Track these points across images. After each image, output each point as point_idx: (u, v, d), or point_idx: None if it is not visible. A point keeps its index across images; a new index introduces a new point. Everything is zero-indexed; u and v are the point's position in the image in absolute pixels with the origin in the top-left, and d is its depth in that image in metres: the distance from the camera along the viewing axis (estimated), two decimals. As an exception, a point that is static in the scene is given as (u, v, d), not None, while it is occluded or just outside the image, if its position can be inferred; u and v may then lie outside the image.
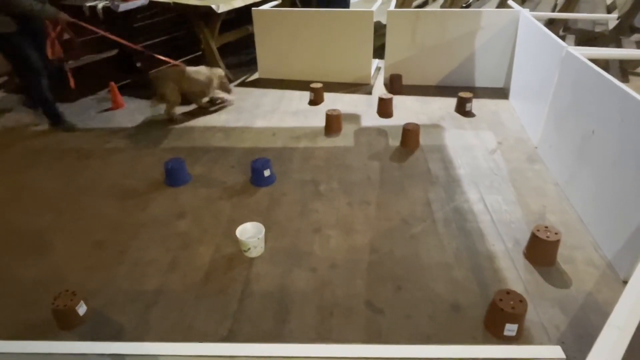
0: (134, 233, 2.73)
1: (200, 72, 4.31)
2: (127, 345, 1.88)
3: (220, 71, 4.48)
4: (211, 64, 5.27)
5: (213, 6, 4.56)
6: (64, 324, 2.09)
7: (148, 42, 6.38)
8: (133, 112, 4.49)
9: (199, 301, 2.24)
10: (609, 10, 6.16)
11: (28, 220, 2.91)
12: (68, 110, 4.57)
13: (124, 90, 4.85)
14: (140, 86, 5.13)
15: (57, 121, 4.10)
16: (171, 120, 4.25)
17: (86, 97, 4.91)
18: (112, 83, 4.59)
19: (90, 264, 2.51)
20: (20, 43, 3.40)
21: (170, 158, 3.30)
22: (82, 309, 2.12)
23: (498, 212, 2.82)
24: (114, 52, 5.86)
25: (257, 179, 3.16)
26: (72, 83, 4.26)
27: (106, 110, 4.56)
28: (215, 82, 4.38)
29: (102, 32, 4.11)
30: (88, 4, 4.60)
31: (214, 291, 2.29)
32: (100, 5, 4.58)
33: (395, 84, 4.80)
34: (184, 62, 6.09)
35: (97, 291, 2.31)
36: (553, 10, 6.50)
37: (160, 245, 2.62)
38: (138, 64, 5.62)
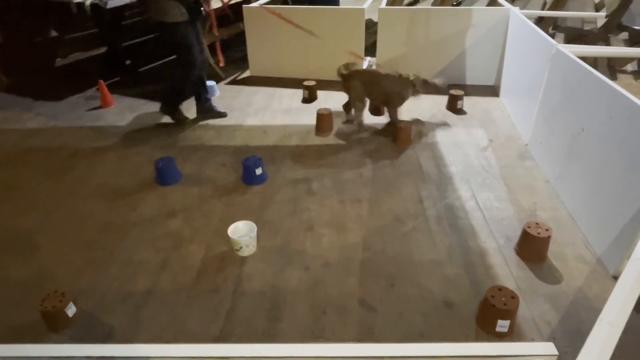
0: (124, 233, 2.70)
1: (390, 77, 3.74)
2: (117, 347, 1.86)
3: (413, 77, 3.73)
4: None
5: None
6: (53, 326, 2.06)
7: (136, 40, 6.31)
8: (122, 110, 4.44)
9: (191, 301, 2.21)
10: (598, 8, 6.21)
11: (15, 220, 2.86)
12: (55, 108, 4.52)
13: (113, 89, 4.79)
14: (130, 84, 5.08)
15: (173, 111, 4.00)
16: (359, 126, 3.89)
17: (74, 95, 4.84)
18: (101, 81, 4.53)
19: (80, 264, 2.47)
20: (188, 32, 3.51)
21: (160, 157, 3.27)
22: (71, 311, 2.08)
23: (489, 209, 2.83)
24: (103, 49, 5.80)
25: (248, 178, 3.14)
26: (221, 61, 4.20)
27: (95, 108, 4.50)
28: (409, 92, 3.75)
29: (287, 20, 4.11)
30: (75, 1, 4.54)
31: (206, 291, 2.27)
32: (88, 2, 4.52)
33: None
34: (174, 59, 6.06)
35: (86, 292, 2.27)
36: (543, 9, 6.54)
37: (151, 245, 2.60)
38: (127, 62, 5.55)
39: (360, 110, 3.88)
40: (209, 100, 4.21)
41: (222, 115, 4.18)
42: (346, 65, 3.86)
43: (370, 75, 3.86)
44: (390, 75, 3.75)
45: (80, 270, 2.43)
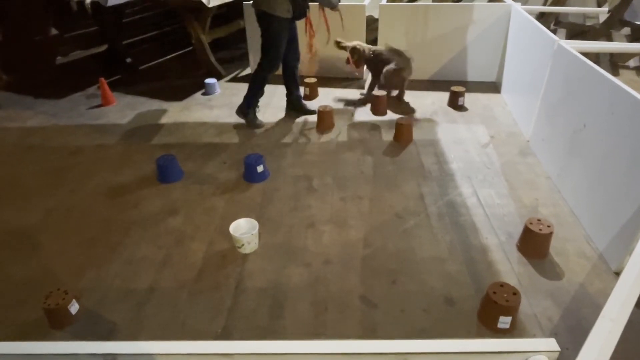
0: (126, 230, 2.71)
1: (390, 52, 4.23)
2: (119, 345, 1.86)
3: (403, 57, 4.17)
4: (202, 59, 5.23)
5: (204, 0, 4.51)
6: (56, 323, 2.07)
7: (137, 38, 6.31)
8: (123, 108, 4.44)
9: (193, 298, 2.22)
10: (600, 4, 6.17)
11: (17, 218, 2.86)
12: (56, 106, 4.52)
13: (114, 87, 4.79)
14: (131, 82, 5.08)
15: (248, 111, 3.93)
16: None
17: (75, 93, 4.85)
18: (102, 79, 4.53)
19: (82, 262, 2.48)
20: (283, 30, 3.51)
21: (161, 154, 3.27)
22: (74, 308, 2.09)
23: (491, 206, 2.83)
24: (104, 47, 5.80)
25: (250, 175, 3.14)
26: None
27: (96, 106, 4.50)
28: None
29: None
30: (76, -1, 4.53)
31: (208, 288, 2.28)
32: (88, 0, 4.51)
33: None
34: (174, 58, 6.06)
35: (89, 289, 2.28)
36: (544, 4, 6.51)
37: (153, 243, 2.60)
38: (128, 60, 5.55)
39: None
40: (299, 96, 4.17)
41: (311, 112, 4.12)
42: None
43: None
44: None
45: (83, 267, 2.44)
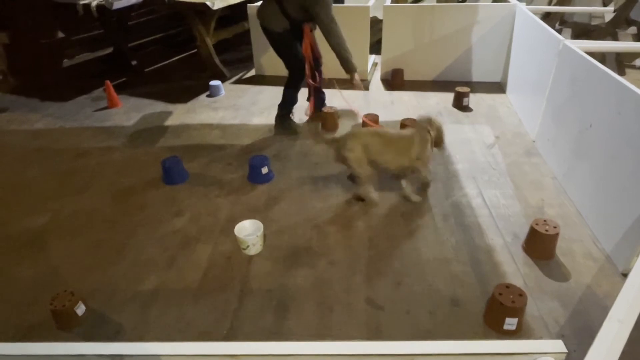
0: (132, 232, 2.72)
1: (401, 135, 2.82)
2: (126, 346, 1.87)
3: (433, 123, 2.78)
4: (207, 61, 5.25)
5: (208, 3, 4.54)
6: (63, 325, 2.08)
7: (143, 40, 6.34)
8: (129, 110, 4.47)
9: (198, 300, 2.23)
10: (605, 3, 6.14)
11: (24, 220, 2.88)
12: (63, 109, 4.56)
13: (120, 89, 4.82)
14: (136, 85, 5.11)
15: (284, 119, 3.94)
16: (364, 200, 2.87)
17: (81, 95, 4.88)
18: (108, 81, 4.56)
19: (88, 263, 2.49)
20: (290, 39, 3.57)
21: (167, 156, 3.29)
22: (80, 309, 2.11)
23: (496, 207, 2.81)
24: (109, 50, 5.83)
25: (254, 176, 3.15)
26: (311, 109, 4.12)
27: (102, 109, 4.53)
28: (428, 146, 2.76)
29: None
30: (81, 2, 4.57)
31: (213, 289, 2.28)
32: (94, 3, 4.55)
33: (396, 79, 4.78)
34: (179, 60, 6.09)
35: (95, 291, 2.29)
36: (549, 4, 6.48)
37: (158, 244, 2.61)
38: (134, 62, 5.58)
39: (365, 180, 2.84)
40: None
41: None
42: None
43: (374, 135, 2.81)
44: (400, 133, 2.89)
45: (89, 269, 2.45)
